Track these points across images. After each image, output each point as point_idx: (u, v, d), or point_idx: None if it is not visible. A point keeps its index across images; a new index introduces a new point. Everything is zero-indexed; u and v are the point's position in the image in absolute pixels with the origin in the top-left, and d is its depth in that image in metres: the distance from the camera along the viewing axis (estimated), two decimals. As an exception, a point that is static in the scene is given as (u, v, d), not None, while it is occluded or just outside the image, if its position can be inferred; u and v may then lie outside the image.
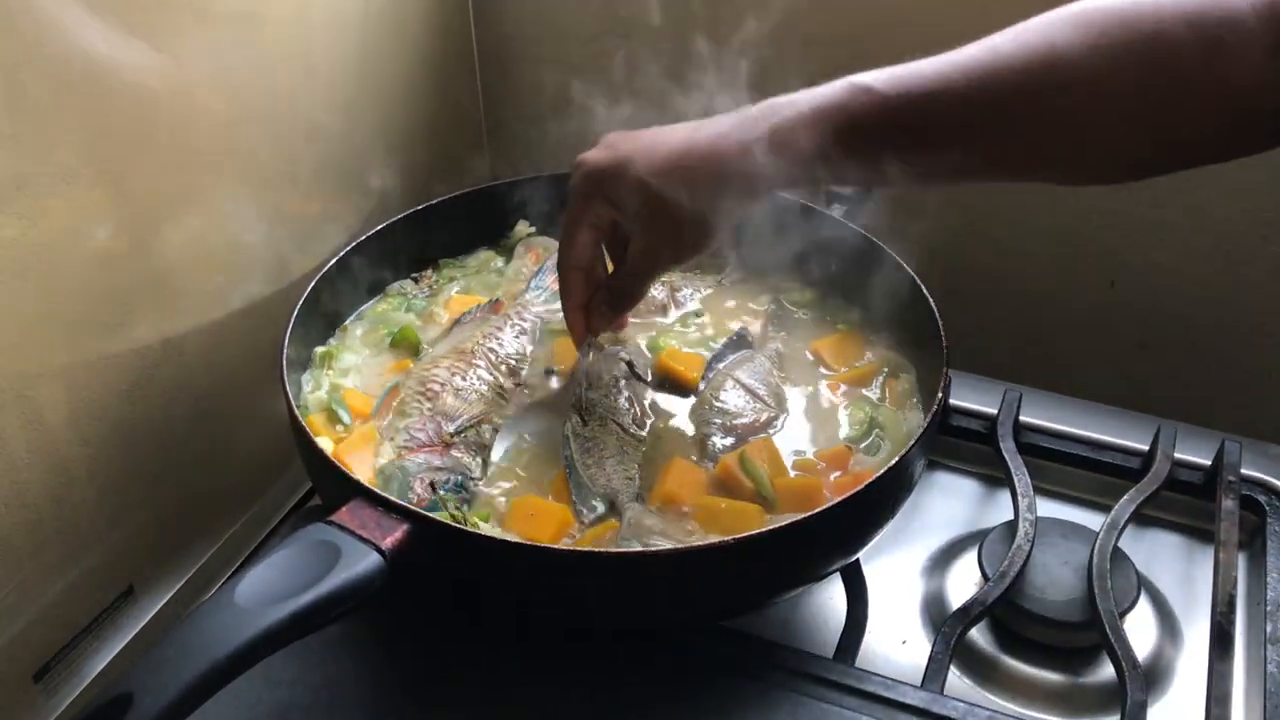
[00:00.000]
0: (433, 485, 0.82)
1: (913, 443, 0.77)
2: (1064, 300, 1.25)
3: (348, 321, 1.00)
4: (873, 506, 0.78)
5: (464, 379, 0.92)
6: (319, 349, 0.95)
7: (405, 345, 0.98)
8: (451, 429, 0.87)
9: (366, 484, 0.72)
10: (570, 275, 0.85)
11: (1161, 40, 0.67)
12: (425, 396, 0.90)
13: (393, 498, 0.71)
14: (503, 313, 1.01)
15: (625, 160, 0.79)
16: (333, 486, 0.76)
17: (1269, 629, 0.83)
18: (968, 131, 0.71)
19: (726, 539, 0.70)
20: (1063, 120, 0.70)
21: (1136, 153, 0.72)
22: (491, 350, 0.96)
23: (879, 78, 0.72)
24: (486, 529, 0.80)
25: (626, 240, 0.84)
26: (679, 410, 0.92)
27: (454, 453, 0.86)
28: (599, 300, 0.87)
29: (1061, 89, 0.69)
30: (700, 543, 0.72)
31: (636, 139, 0.80)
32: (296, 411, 0.80)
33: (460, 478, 0.84)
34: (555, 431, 0.89)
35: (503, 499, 0.84)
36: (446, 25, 1.22)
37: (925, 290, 0.91)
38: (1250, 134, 0.70)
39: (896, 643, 0.86)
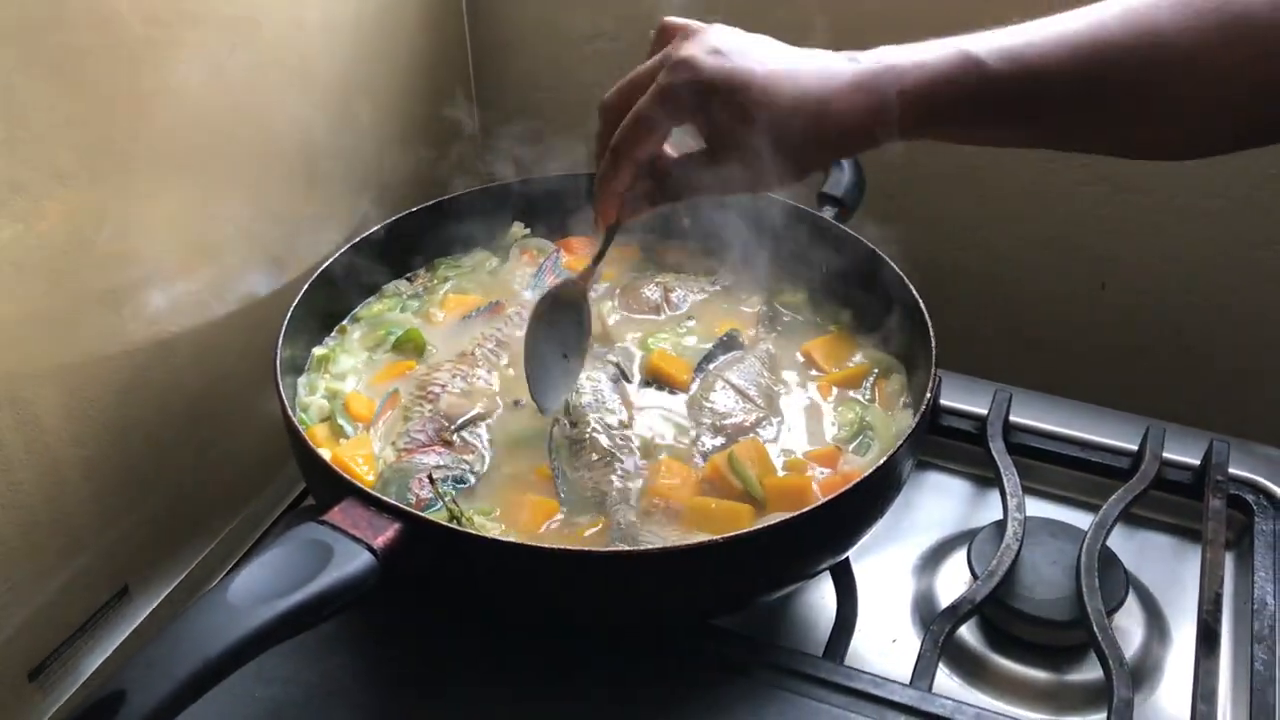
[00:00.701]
0: (431, 481, 0.82)
1: (901, 442, 0.77)
2: (1056, 302, 1.26)
3: (344, 322, 1.01)
4: (861, 506, 0.78)
5: (465, 380, 0.93)
6: (316, 351, 0.96)
7: (410, 347, 0.98)
8: (451, 428, 0.88)
9: (360, 484, 0.72)
10: (623, 163, 0.78)
11: (1250, 21, 0.67)
12: (426, 400, 0.91)
13: (388, 499, 0.72)
14: (504, 314, 1.02)
15: (738, 83, 0.73)
16: (325, 486, 0.76)
17: (1255, 627, 0.84)
18: (1072, 107, 0.72)
19: (715, 538, 0.71)
20: (1162, 99, 0.70)
21: (1231, 130, 0.72)
22: (493, 352, 0.97)
23: (989, 49, 0.71)
24: (486, 526, 0.80)
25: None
26: (669, 410, 0.93)
27: (453, 450, 0.87)
28: (642, 189, 0.80)
29: (1161, 69, 0.69)
30: (689, 542, 0.72)
31: (745, 57, 0.74)
32: (290, 412, 0.81)
33: (459, 473, 0.85)
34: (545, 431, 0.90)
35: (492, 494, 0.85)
36: (441, 27, 1.22)
37: (915, 292, 0.91)
38: None
39: (887, 641, 0.87)
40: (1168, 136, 0.73)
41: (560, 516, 0.82)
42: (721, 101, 0.73)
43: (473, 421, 0.89)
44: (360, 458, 0.85)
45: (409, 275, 1.07)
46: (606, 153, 0.79)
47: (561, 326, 0.90)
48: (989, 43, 0.72)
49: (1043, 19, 0.72)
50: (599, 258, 0.86)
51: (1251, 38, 0.67)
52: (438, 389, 0.92)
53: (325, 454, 0.81)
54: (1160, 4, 0.69)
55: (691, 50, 0.74)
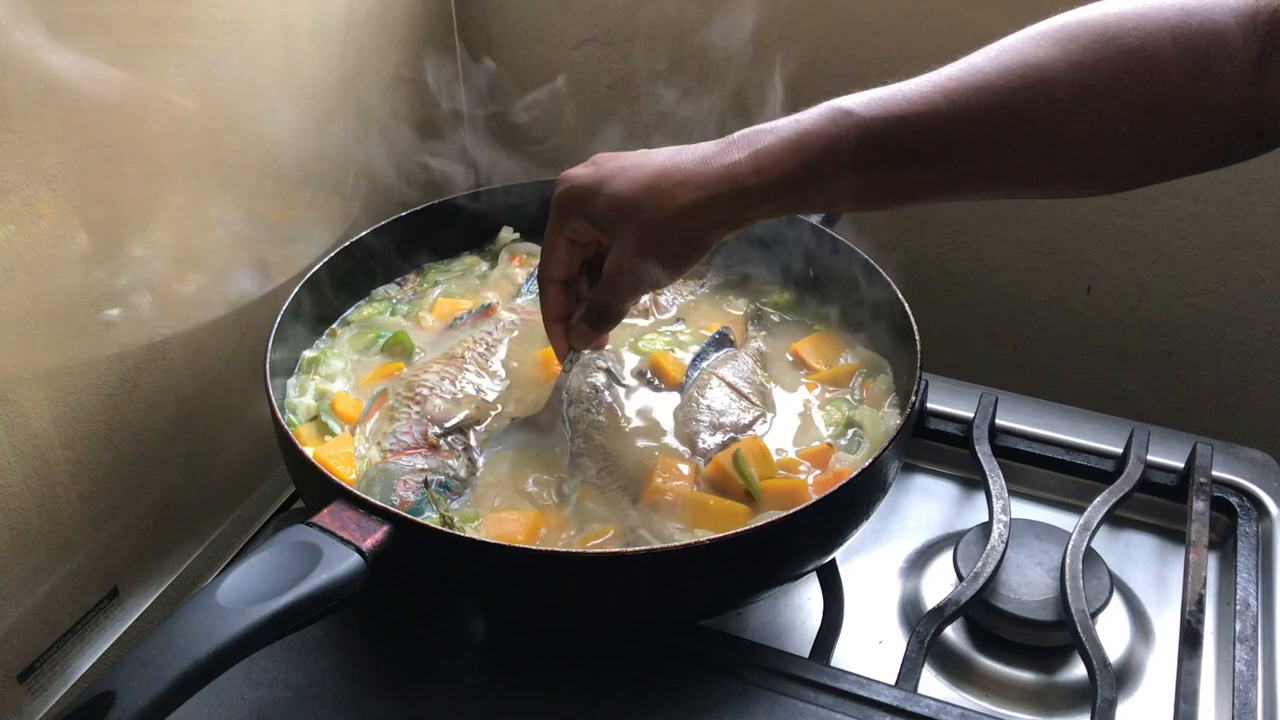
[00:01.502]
0: (425, 483, 0.83)
1: (887, 445, 0.78)
2: (1042, 306, 1.27)
3: (334, 326, 1.01)
4: (848, 507, 0.79)
5: (453, 383, 0.93)
6: (306, 354, 0.96)
7: (398, 349, 0.98)
8: (437, 431, 0.88)
9: (348, 487, 0.73)
10: (549, 289, 0.85)
11: (1146, 55, 0.67)
12: (414, 401, 0.91)
13: (374, 499, 0.72)
14: (494, 318, 1.02)
15: (607, 177, 0.78)
16: (315, 489, 0.77)
17: (1238, 628, 0.85)
18: (950, 152, 0.71)
19: (702, 540, 0.71)
20: (1047, 138, 0.70)
21: (1122, 167, 0.72)
22: (482, 355, 0.97)
23: (860, 101, 0.72)
24: (472, 532, 0.80)
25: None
26: (664, 410, 0.93)
27: (439, 454, 0.87)
28: (579, 318, 0.85)
29: (1045, 107, 0.69)
30: (674, 544, 0.73)
31: (620, 158, 0.79)
32: (280, 415, 0.81)
33: (445, 478, 0.85)
34: (536, 439, 0.90)
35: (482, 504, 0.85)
36: (430, 31, 1.23)
37: (901, 295, 0.92)
38: (1235, 143, 0.70)
39: (873, 643, 0.87)
40: (1060, 174, 0.73)
41: (551, 527, 0.82)
42: (593, 199, 0.78)
43: (460, 428, 0.89)
44: (341, 456, 0.85)
45: (399, 280, 1.07)
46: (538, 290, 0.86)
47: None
48: (859, 97, 0.72)
49: (927, 74, 0.72)
50: (558, 389, 0.91)
51: (1139, 71, 0.67)
52: (425, 390, 0.92)
53: (309, 453, 0.81)
54: (1039, 42, 0.69)
55: (568, 171, 0.81)
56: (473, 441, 0.89)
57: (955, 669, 0.86)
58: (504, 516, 0.82)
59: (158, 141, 0.85)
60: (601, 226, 0.79)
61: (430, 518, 0.80)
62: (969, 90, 0.70)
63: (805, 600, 0.90)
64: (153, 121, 0.84)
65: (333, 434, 0.89)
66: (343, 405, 0.92)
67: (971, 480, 1.02)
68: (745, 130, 0.75)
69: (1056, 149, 0.70)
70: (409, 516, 0.71)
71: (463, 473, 0.86)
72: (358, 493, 0.72)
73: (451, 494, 0.84)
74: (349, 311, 1.03)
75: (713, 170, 0.73)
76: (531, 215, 1.11)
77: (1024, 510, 0.99)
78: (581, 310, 0.85)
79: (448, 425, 0.89)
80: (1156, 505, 0.99)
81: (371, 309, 1.03)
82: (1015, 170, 0.73)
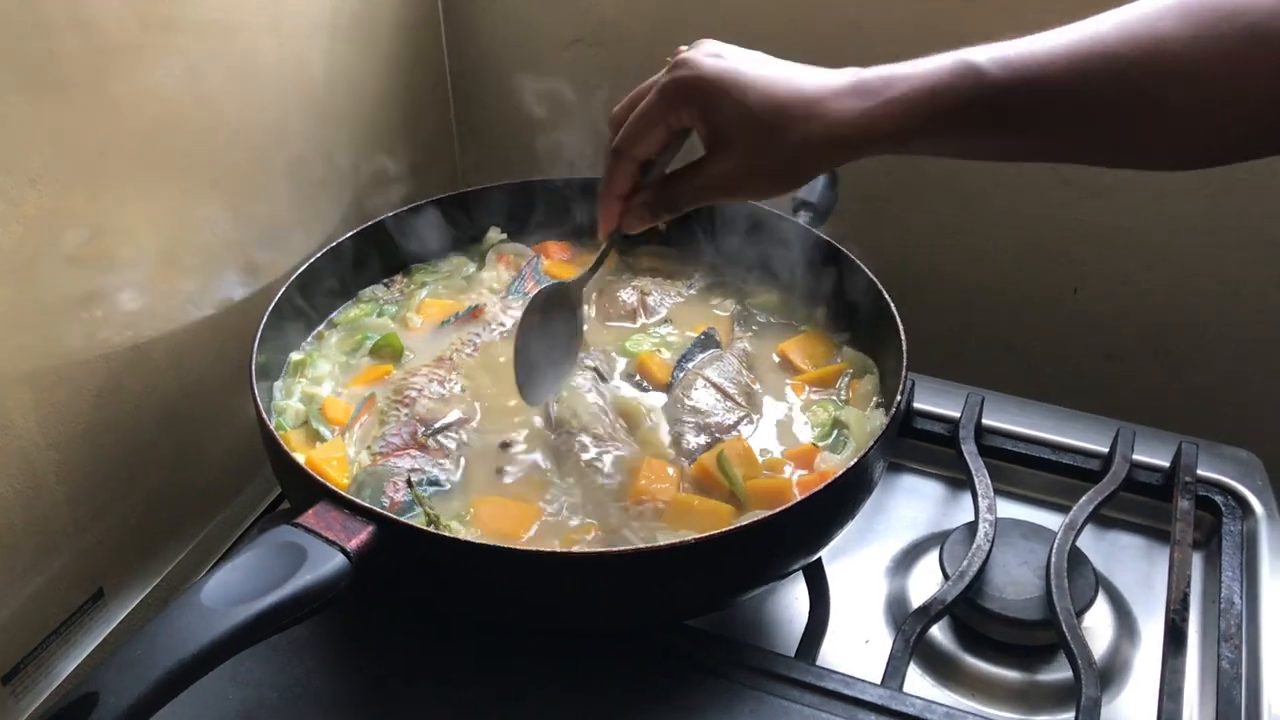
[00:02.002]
0: (410, 485, 0.82)
1: (872, 444, 0.78)
2: (1030, 306, 1.27)
3: (320, 327, 1.01)
4: (833, 506, 0.79)
5: (442, 385, 0.93)
6: (293, 356, 0.96)
7: (387, 351, 0.98)
8: (426, 431, 0.88)
9: (333, 488, 0.73)
10: (623, 163, 0.81)
11: (1261, 33, 0.67)
12: (403, 404, 0.91)
13: (362, 501, 0.72)
14: (482, 319, 1.02)
15: (735, 81, 0.75)
16: (300, 489, 0.77)
17: (1223, 626, 0.85)
18: (1073, 119, 0.72)
19: (687, 539, 0.71)
20: (1165, 109, 0.70)
21: (1234, 140, 0.72)
22: (470, 356, 0.97)
23: (990, 58, 0.71)
24: (458, 530, 0.80)
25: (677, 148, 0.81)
26: (651, 410, 0.94)
27: (429, 454, 0.87)
28: (642, 199, 0.82)
29: (1165, 78, 0.69)
30: (658, 544, 0.73)
31: (749, 60, 0.76)
32: (265, 416, 0.81)
33: (434, 476, 0.85)
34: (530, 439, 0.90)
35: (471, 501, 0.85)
36: (417, 32, 1.23)
37: (887, 296, 0.92)
38: None
39: (860, 642, 0.87)
40: (1171, 146, 0.73)
41: (539, 524, 0.83)
42: (718, 99, 0.75)
43: (450, 427, 0.89)
44: (334, 461, 0.86)
45: (386, 281, 1.07)
46: (609, 155, 0.80)
47: (554, 326, 0.89)
48: (988, 53, 0.72)
49: (1043, 33, 0.72)
50: (598, 264, 0.87)
51: (1260, 48, 0.67)
52: (414, 393, 0.92)
53: (300, 458, 0.81)
54: (1163, 15, 0.69)
55: (692, 53, 0.77)
56: (464, 440, 0.89)
57: (941, 668, 0.86)
58: (496, 511, 0.83)
59: (143, 141, 0.85)
60: (721, 129, 0.76)
61: (415, 516, 0.81)
62: (1095, 58, 0.70)
63: (792, 600, 0.90)
64: (138, 121, 0.84)
65: (323, 439, 0.89)
66: (332, 410, 0.92)
67: (958, 480, 1.02)
68: (874, 71, 0.74)
69: (1172, 119, 0.70)
70: (393, 516, 0.71)
71: (453, 471, 0.86)
72: (342, 493, 0.72)
73: (438, 489, 0.84)
74: (335, 313, 1.02)
75: (844, 112, 0.73)
76: (519, 215, 1.11)
77: (1010, 509, 0.99)
78: (647, 193, 0.82)
79: (437, 425, 0.89)
80: (1142, 504, 1.00)
81: (359, 310, 1.03)
82: (1130, 138, 0.73)
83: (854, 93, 0.73)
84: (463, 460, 0.87)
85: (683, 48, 0.79)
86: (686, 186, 0.79)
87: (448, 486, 0.85)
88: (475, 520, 0.82)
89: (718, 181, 0.77)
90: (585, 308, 1.05)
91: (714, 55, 0.76)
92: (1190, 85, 0.69)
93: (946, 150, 0.75)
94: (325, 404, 0.92)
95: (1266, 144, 0.72)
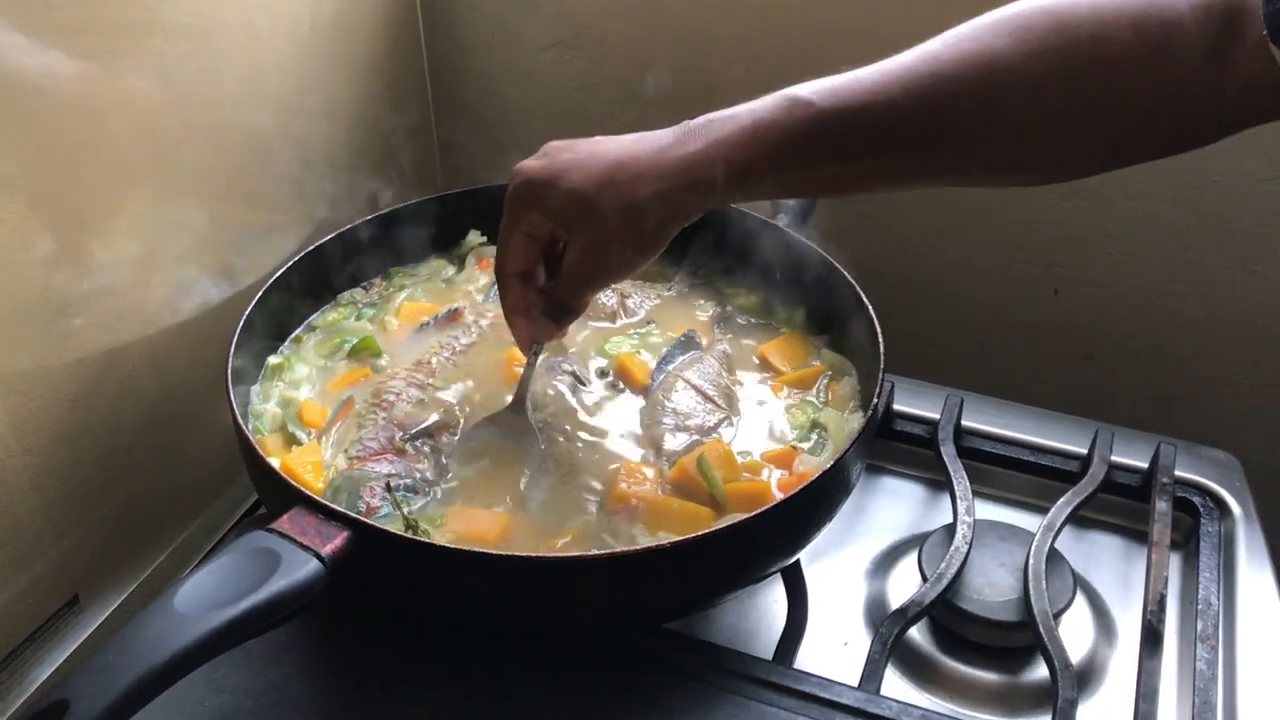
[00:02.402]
0: (388, 487, 0.82)
1: (849, 446, 0.78)
2: (1010, 308, 1.27)
3: (298, 331, 1.00)
4: (811, 509, 0.79)
5: (420, 389, 0.93)
6: (270, 360, 0.95)
7: (366, 354, 0.98)
8: (404, 436, 0.88)
9: (308, 493, 0.73)
10: (507, 282, 0.84)
11: (1101, 44, 0.68)
12: (380, 407, 0.91)
13: (338, 506, 0.72)
14: (462, 322, 1.02)
15: (562, 170, 0.76)
16: (275, 494, 0.77)
17: (1200, 627, 0.85)
18: (907, 142, 0.72)
19: (664, 543, 0.71)
20: (1003, 126, 0.70)
21: (1077, 155, 0.73)
22: (449, 360, 0.97)
23: (815, 90, 0.72)
24: (434, 535, 0.80)
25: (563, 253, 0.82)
26: (630, 412, 0.93)
27: (406, 459, 0.86)
28: (539, 311, 0.85)
29: (1001, 95, 0.69)
30: (636, 547, 0.73)
31: (574, 149, 0.78)
32: (241, 420, 0.81)
33: (413, 481, 0.84)
34: (503, 435, 0.90)
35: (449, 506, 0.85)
36: (396, 33, 1.23)
37: (865, 297, 0.92)
38: (1194, 130, 0.71)
39: (839, 644, 0.87)
40: (1015, 163, 0.74)
41: (516, 528, 0.82)
42: (548, 193, 0.76)
43: (428, 432, 0.89)
44: (309, 465, 0.85)
45: (364, 284, 1.06)
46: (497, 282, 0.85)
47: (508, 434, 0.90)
48: (814, 85, 0.72)
49: (881, 61, 0.72)
50: (525, 380, 0.90)
51: (1093, 60, 0.68)
52: (392, 396, 0.92)
53: (275, 462, 0.81)
54: (997, 31, 0.69)
55: (523, 163, 0.80)
56: (443, 443, 0.89)
57: (920, 670, 0.86)
58: (471, 515, 0.82)
59: (118, 144, 0.84)
60: (558, 220, 0.78)
61: (392, 520, 0.80)
62: (925, 78, 0.70)
63: (771, 603, 0.90)
64: (112, 124, 0.83)
65: (299, 443, 0.88)
66: (309, 413, 0.91)
67: (938, 481, 1.02)
68: (701, 118, 0.75)
69: (1012, 137, 0.71)
70: (369, 522, 0.71)
71: (431, 475, 0.86)
72: (318, 498, 0.71)
73: (419, 496, 0.84)
74: (314, 316, 1.02)
75: (670, 161, 0.73)
76: (499, 217, 1.11)
77: (990, 511, 0.99)
78: (540, 303, 0.84)
79: (415, 430, 0.89)
80: (1121, 505, 1.00)
81: (336, 314, 1.03)
82: (972, 158, 0.73)
83: (676, 143, 0.74)
84: (441, 465, 0.87)
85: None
86: (565, 288, 0.82)
87: (425, 492, 0.85)
88: (452, 525, 0.82)
89: (578, 269, 0.79)
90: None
91: (541, 155, 0.79)
92: (1028, 102, 0.69)
93: (786, 186, 0.75)
94: (303, 407, 0.91)
95: (1115, 156, 0.73)
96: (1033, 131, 0.70)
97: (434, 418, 0.90)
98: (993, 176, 0.78)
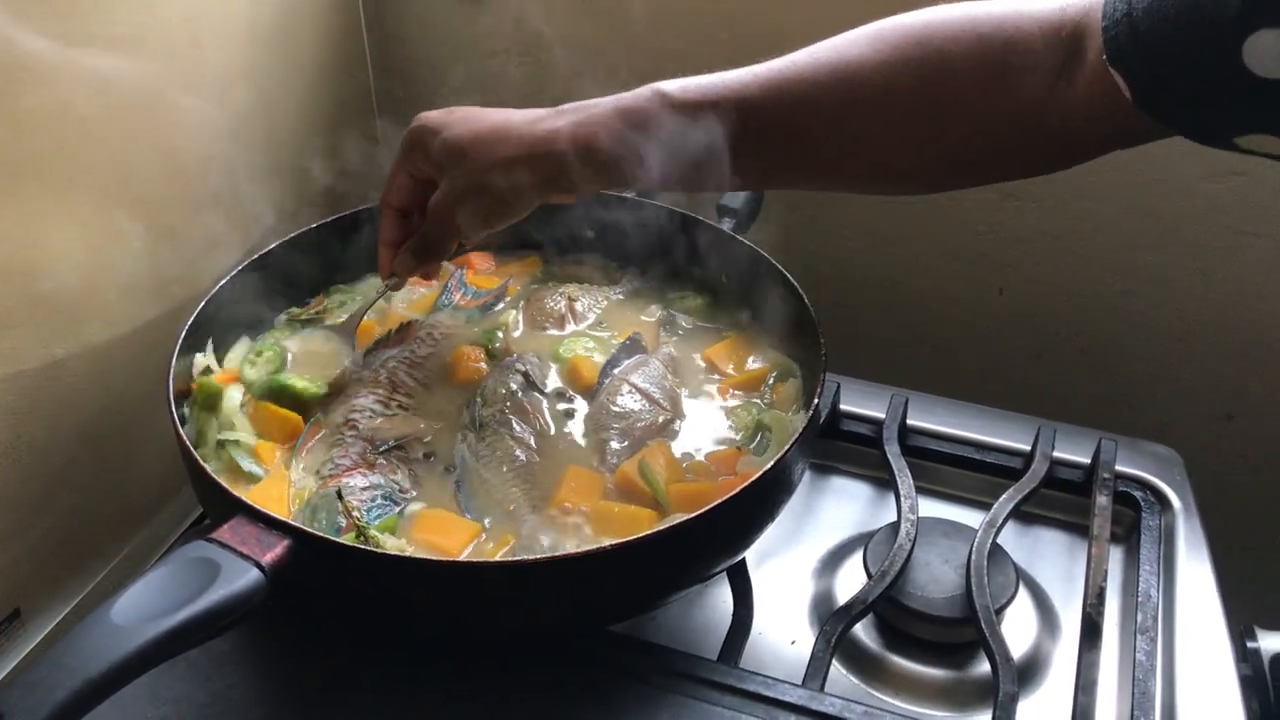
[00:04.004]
0: (340, 497, 0.81)
1: (789, 446, 0.79)
2: (957, 309, 1.29)
3: (236, 347, 0.99)
4: (751, 509, 0.80)
5: (386, 406, 0.92)
6: (195, 383, 0.92)
7: (290, 400, 0.92)
8: (374, 450, 0.88)
9: (248, 501, 0.72)
10: (385, 213, 0.91)
11: (946, 59, 0.69)
12: (349, 427, 0.90)
13: (318, 527, 0.73)
14: (414, 335, 1.01)
15: (450, 123, 0.83)
16: (216, 504, 0.76)
17: (1139, 619, 0.87)
18: (761, 143, 0.75)
19: (603, 546, 0.71)
20: (852, 136, 0.73)
21: (927, 167, 0.74)
22: (410, 374, 0.96)
23: (678, 85, 0.76)
24: (391, 543, 0.80)
25: None
26: (578, 416, 0.94)
27: (379, 471, 0.86)
28: (407, 246, 0.91)
29: (850, 105, 0.72)
30: (572, 551, 0.73)
31: (471, 110, 0.85)
32: (182, 433, 0.80)
33: (389, 491, 0.84)
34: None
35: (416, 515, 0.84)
36: (340, 41, 1.22)
37: (806, 299, 0.93)
38: (1043, 154, 0.72)
39: (786, 643, 0.88)
40: (875, 172, 0.76)
41: (479, 537, 0.82)
42: (432, 138, 0.84)
43: (399, 444, 0.89)
44: (274, 495, 0.83)
45: (307, 300, 1.05)
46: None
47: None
48: (682, 81, 0.77)
49: (758, 64, 0.75)
50: (362, 310, 0.99)
51: (946, 73, 0.69)
52: (361, 417, 0.91)
53: (209, 467, 0.80)
54: (855, 42, 0.72)
55: (425, 112, 0.87)
56: (418, 455, 0.89)
57: (867, 667, 0.87)
58: (440, 524, 0.82)
59: (56, 155, 0.84)
60: (435, 165, 0.85)
61: (377, 521, 0.81)
62: (782, 82, 0.73)
63: (719, 603, 0.90)
64: (50, 136, 0.83)
65: (255, 479, 0.86)
66: (264, 450, 0.88)
67: (885, 480, 1.03)
68: (578, 102, 0.80)
69: (861, 146, 0.73)
70: (309, 530, 0.71)
71: (407, 484, 0.86)
72: (258, 507, 0.71)
73: (393, 506, 0.83)
74: (255, 336, 1.00)
75: (535, 132, 0.79)
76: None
77: (936, 509, 1.00)
78: (411, 240, 0.90)
79: (384, 445, 0.88)
80: (1065, 501, 1.01)
81: (276, 335, 1.01)
82: (825, 165, 0.76)
83: (548, 118, 0.80)
84: (413, 476, 0.87)
85: None
86: (428, 229, 0.89)
87: (401, 503, 0.84)
88: (414, 535, 0.82)
89: (439, 208, 0.85)
90: (512, 314, 1.05)
91: (445, 111, 0.86)
92: (877, 114, 0.72)
93: (655, 175, 0.78)
94: (258, 448, 0.88)
95: (965, 172, 0.75)
96: (882, 139, 0.73)
97: (406, 431, 0.90)
98: (848, 183, 0.80)
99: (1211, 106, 0.61)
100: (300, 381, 0.93)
